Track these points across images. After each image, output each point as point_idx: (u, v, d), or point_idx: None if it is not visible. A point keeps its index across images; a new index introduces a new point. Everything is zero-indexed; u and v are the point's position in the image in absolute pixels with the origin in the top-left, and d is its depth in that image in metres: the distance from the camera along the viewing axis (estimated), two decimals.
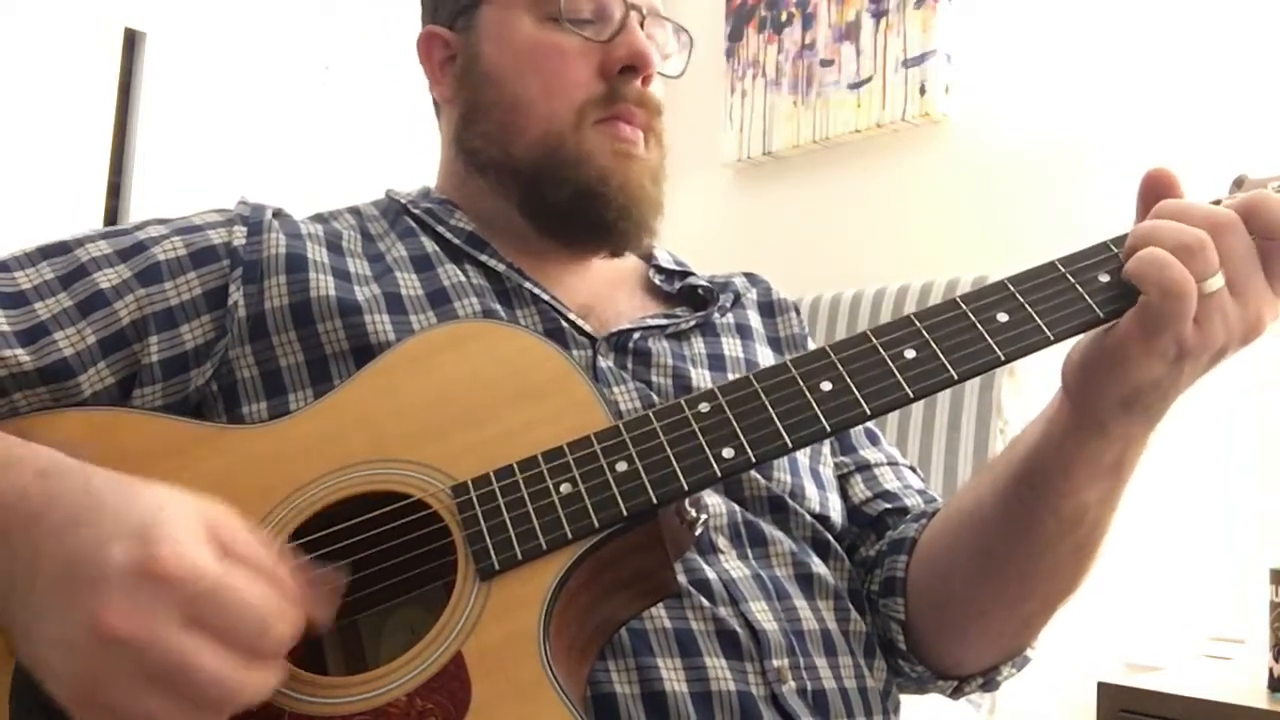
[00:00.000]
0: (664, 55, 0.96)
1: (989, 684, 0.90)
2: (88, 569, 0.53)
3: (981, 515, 0.82)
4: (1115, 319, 0.67)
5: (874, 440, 1.00)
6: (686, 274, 1.01)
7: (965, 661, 0.87)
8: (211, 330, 0.80)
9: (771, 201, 2.59)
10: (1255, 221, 0.67)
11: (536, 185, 0.89)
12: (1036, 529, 0.77)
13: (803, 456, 0.91)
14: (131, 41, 2.54)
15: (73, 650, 0.53)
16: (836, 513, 0.90)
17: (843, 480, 0.95)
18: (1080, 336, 0.70)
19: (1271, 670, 1.48)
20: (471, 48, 0.93)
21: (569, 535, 0.63)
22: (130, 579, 0.52)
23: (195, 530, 0.55)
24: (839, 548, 0.88)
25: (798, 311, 1.05)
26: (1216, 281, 0.65)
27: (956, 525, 0.84)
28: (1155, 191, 0.71)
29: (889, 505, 0.93)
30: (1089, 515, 0.76)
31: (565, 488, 0.64)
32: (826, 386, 0.66)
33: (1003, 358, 0.67)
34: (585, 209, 0.89)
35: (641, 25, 0.91)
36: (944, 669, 0.88)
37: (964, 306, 0.69)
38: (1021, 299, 0.68)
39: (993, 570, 0.81)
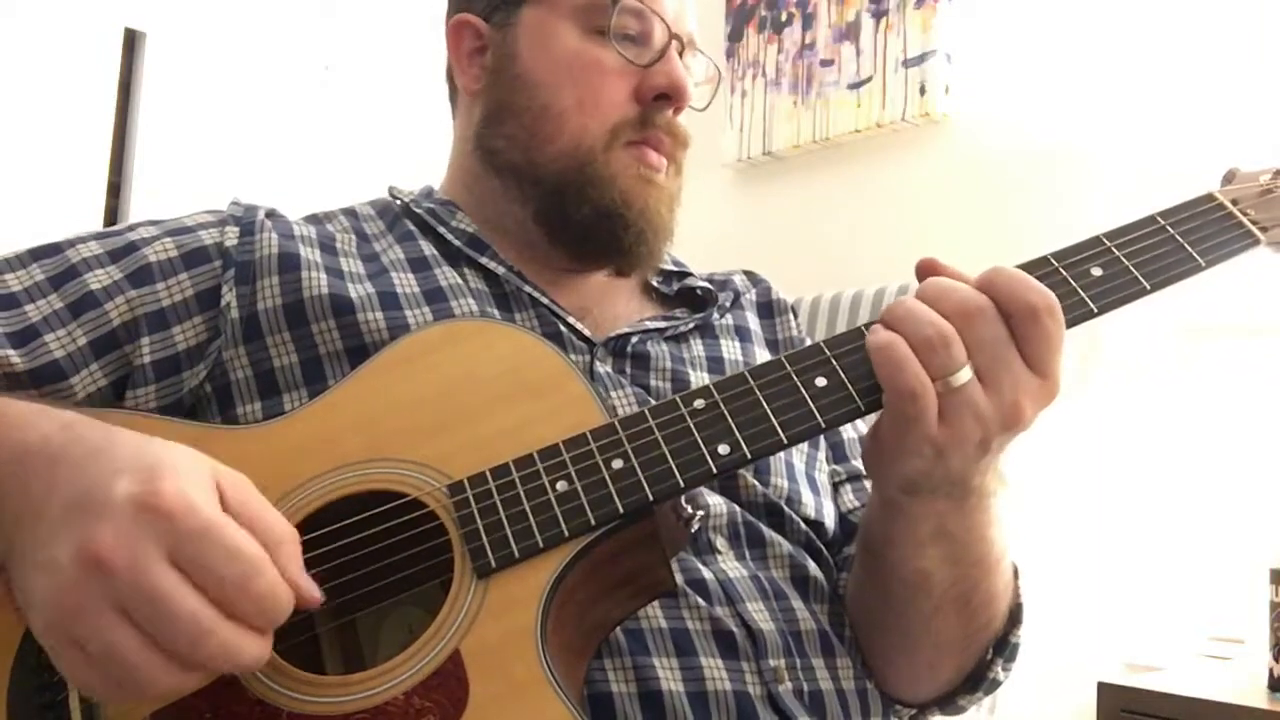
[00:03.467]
0: (694, 84, 0.95)
1: (949, 710, 0.89)
2: (93, 498, 0.54)
3: (855, 578, 0.84)
4: None
5: None
6: (685, 275, 1.00)
7: (903, 695, 0.87)
8: (204, 331, 0.80)
9: (771, 201, 2.59)
10: (999, 301, 0.65)
11: (558, 198, 0.89)
12: (887, 592, 0.79)
13: (799, 461, 0.90)
14: (131, 41, 2.55)
15: (56, 573, 0.52)
16: (830, 519, 0.90)
17: (835, 489, 0.95)
18: None
19: (1271, 670, 1.48)
20: (507, 46, 0.92)
21: (565, 533, 0.63)
22: (129, 509, 0.53)
23: (204, 479, 0.55)
24: (829, 555, 0.88)
25: (795, 313, 1.04)
26: (963, 375, 0.64)
27: (849, 580, 0.86)
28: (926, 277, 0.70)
29: None
30: (935, 577, 0.76)
31: (561, 486, 0.64)
32: (821, 382, 0.66)
33: None
34: (603, 228, 0.88)
35: (680, 54, 0.91)
36: (891, 697, 0.87)
37: None
38: None
39: (873, 626, 0.83)
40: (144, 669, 0.52)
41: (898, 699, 0.87)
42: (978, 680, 0.85)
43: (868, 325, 0.68)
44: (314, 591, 0.57)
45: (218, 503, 0.55)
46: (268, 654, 0.55)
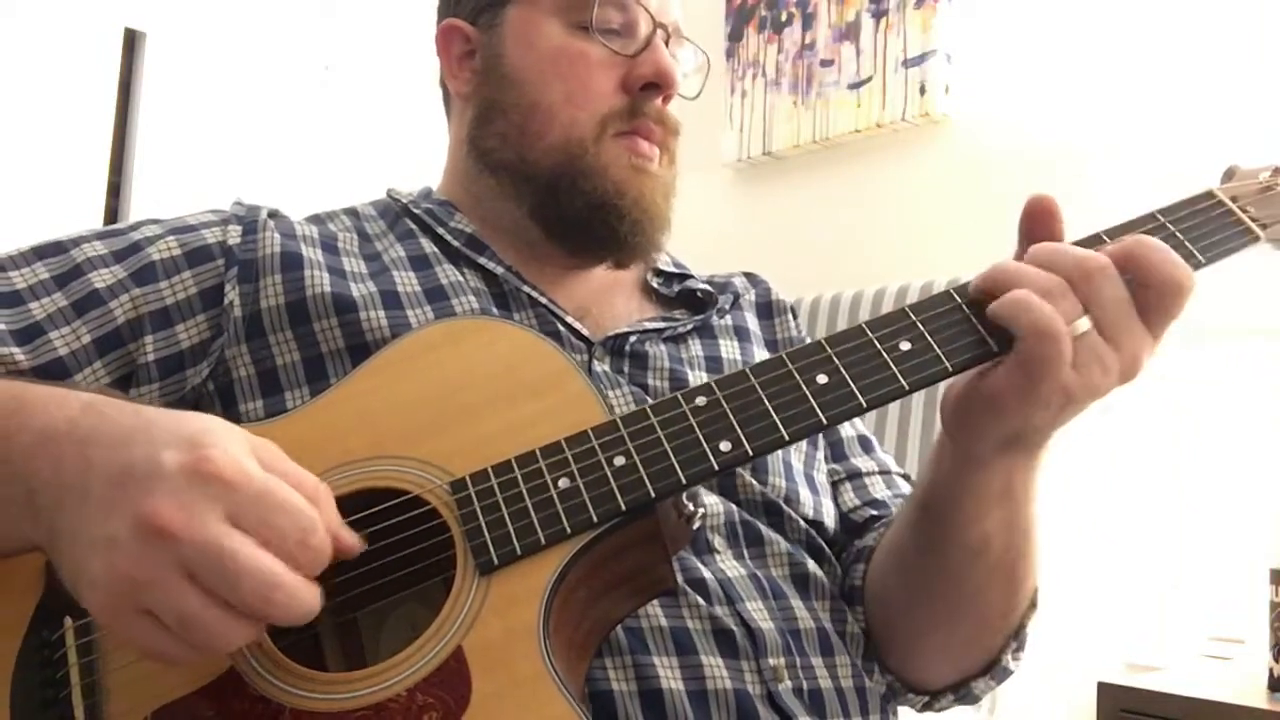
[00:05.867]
0: (683, 74, 0.96)
1: (964, 698, 0.88)
2: (140, 471, 0.54)
3: (900, 545, 0.83)
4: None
5: (867, 448, 0.99)
6: (685, 277, 1.00)
7: (925, 678, 0.87)
8: (207, 329, 0.80)
9: (771, 201, 2.59)
10: (1131, 267, 0.66)
11: (552, 193, 0.89)
12: (944, 558, 0.78)
13: (797, 461, 0.90)
14: (131, 41, 2.54)
15: (115, 547, 0.53)
16: (830, 518, 0.90)
17: (834, 487, 0.95)
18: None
19: (1271, 670, 1.48)
20: (494, 46, 0.93)
21: (567, 530, 0.63)
22: (181, 477, 0.53)
23: (243, 444, 0.56)
24: (831, 554, 0.88)
25: (795, 314, 1.05)
26: (1083, 324, 0.65)
27: (885, 553, 0.85)
28: (1036, 220, 0.71)
29: (876, 513, 0.93)
30: (993, 541, 0.76)
31: (563, 483, 0.64)
32: (822, 379, 0.66)
33: (996, 349, 0.67)
34: (599, 220, 0.88)
35: (666, 44, 0.91)
36: (909, 682, 0.87)
37: (958, 299, 0.69)
38: None
39: (917, 597, 0.82)
40: (220, 628, 0.53)
41: (915, 684, 0.86)
42: (992, 666, 0.85)
43: (867, 323, 0.68)
44: (355, 540, 0.59)
45: (259, 465, 0.56)
46: (320, 602, 0.56)
